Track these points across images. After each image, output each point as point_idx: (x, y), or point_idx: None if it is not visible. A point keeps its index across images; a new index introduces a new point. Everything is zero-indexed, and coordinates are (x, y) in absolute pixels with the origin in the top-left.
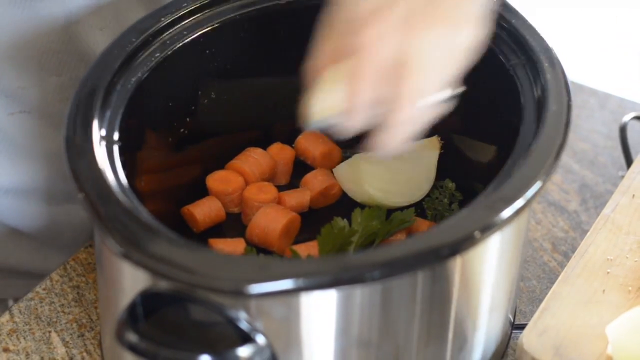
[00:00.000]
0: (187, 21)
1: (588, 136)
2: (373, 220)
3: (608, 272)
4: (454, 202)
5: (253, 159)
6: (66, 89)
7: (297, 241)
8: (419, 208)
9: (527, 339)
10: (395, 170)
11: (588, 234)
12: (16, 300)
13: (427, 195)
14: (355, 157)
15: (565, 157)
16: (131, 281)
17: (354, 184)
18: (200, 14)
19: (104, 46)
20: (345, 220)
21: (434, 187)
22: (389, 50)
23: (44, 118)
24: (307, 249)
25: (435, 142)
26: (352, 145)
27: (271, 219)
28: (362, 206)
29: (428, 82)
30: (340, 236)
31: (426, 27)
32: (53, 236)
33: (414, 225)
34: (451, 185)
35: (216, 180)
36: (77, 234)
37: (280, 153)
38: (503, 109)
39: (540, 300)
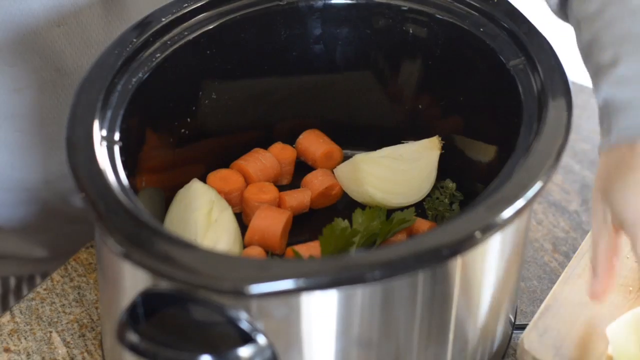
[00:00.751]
0: (188, 22)
1: (589, 136)
2: (374, 220)
3: None
4: (454, 202)
5: (260, 162)
6: (18, 80)
7: (297, 241)
8: (419, 208)
9: (528, 339)
10: (396, 171)
11: (589, 234)
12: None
13: (428, 195)
14: (356, 157)
15: (566, 158)
16: (132, 281)
17: (355, 184)
18: (201, 14)
19: (61, 43)
20: (346, 220)
21: (435, 187)
22: None
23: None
24: (309, 249)
25: (436, 142)
26: (353, 145)
27: (270, 221)
28: (362, 206)
29: None
30: (342, 236)
31: None
32: (18, 227)
33: (414, 226)
34: (452, 185)
35: (216, 178)
36: (39, 227)
37: (281, 153)
38: (504, 110)
39: (541, 301)
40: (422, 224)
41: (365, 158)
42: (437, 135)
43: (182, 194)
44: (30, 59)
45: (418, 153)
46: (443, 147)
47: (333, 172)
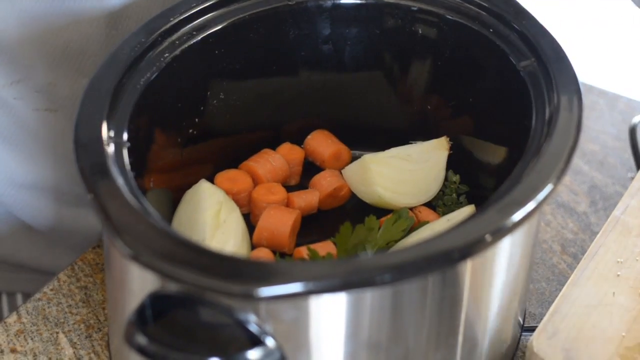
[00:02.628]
0: (196, 21)
1: (597, 137)
2: (402, 231)
3: (618, 275)
4: (461, 195)
5: (269, 164)
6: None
7: (306, 242)
8: (428, 206)
9: (537, 341)
10: (404, 171)
11: (598, 236)
12: (24, 295)
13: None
14: (365, 157)
15: (575, 158)
16: (140, 283)
17: (363, 184)
18: (210, 14)
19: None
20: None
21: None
22: None
23: (69, 118)
24: (325, 248)
25: (444, 142)
26: (361, 145)
27: (278, 220)
28: (375, 210)
29: None
30: (358, 236)
31: None
32: (63, 235)
33: (422, 216)
34: (455, 178)
35: (224, 179)
36: (87, 235)
37: (290, 153)
38: (513, 111)
39: (550, 303)
40: (429, 214)
41: (374, 158)
42: (445, 136)
43: (190, 194)
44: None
45: (426, 153)
46: (452, 148)
47: (341, 173)
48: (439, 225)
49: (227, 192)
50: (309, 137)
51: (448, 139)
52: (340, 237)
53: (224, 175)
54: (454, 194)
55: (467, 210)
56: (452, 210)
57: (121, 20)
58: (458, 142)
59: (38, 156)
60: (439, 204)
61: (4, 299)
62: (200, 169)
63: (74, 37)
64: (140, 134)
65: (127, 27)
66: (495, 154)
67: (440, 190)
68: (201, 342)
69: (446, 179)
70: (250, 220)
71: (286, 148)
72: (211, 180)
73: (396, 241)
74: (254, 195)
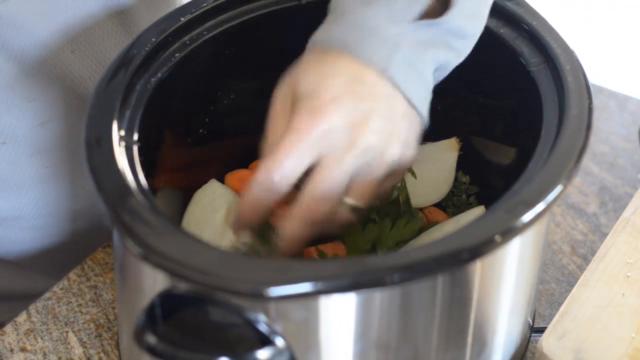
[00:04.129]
0: (207, 21)
1: (607, 138)
2: (413, 232)
3: (628, 276)
4: (471, 196)
5: None
6: (41, 113)
7: (316, 242)
8: (438, 207)
9: (547, 342)
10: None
11: (608, 237)
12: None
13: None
14: None
15: (585, 160)
16: (150, 282)
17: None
18: (220, 14)
19: (78, 68)
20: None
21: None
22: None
23: (20, 146)
24: (333, 248)
25: (454, 143)
26: None
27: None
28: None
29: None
30: (369, 237)
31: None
32: (38, 262)
33: (431, 216)
34: (465, 178)
35: (234, 179)
36: (64, 259)
37: None
38: (523, 111)
39: (559, 304)
40: (439, 215)
41: None
42: (455, 137)
43: (200, 194)
44: (50, 90)
45: (436, 154)
46: (461, 149)
47: None
48: (448, 226)
49: (237, 192)
50: None
51: (458, 139)
52: (349, 237)
53: (234, 175)
54: (464, 195)
55: (477, 211)
56: (462, 211)
57: (52, 42)
58: (468, 142)
59: (1, 190)
60: (448, 205)
61: None
62: (210, 169)
63: (0, 63)
64: (150, 133)
65: (63, 48)
66: (505, 155)
67: (450, 191)
68: (210, 342)
69: (456, 179)
70: None
71: None
72: (221, 180)
73: (406, 241)
74: None
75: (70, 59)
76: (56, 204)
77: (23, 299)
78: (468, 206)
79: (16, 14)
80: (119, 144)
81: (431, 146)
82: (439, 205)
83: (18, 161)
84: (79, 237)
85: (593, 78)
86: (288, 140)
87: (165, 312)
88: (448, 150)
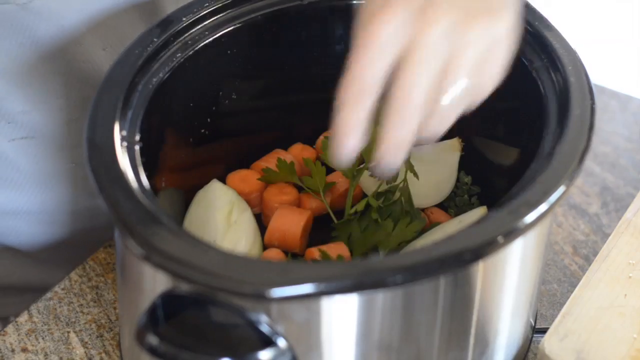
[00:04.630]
0: (208, 21)
1: (609, 139)
2: (414, 233)
3: (630, 277)
4: (473, 196)
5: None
6: (72, 110)
7: (318, 243)
8: (440, 207)
9: (549, 343)
10: (414, 163)
11: (610, 237)
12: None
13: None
14: None
15: (587, 160)
16: (152, 283)
17: (375, 185)
18: (222, 14)
19: (109, 65)
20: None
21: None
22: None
23: (48, 142)
24: (336, 249)
25: (456, 143)
26: None
27: (289, 221)
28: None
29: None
30: (371, 238)
31: (445, 17)
32: (53, 255)
33: (433, 217)
34: (467, 179)
35: (235, 179)
36: (78, 250)
37: (301, 154)
38: (526, 112)
39: (561, 304)
40: (441, 215)
41: None
42: (457, 137)
43: (201, 194)
44: (81, 87)
45: (438, 155)
46: (464, 149)
47: None
48: (450, 226)
49: (239, 192)
50: (321, 137)
51: (460, 140)
52: (349, 238)
53: (236, 175)
54: (466, 195)
55: (479, 211)
56: (464, 212)
57: (83, 45)
58: (470, 143)
59: (20, 184)
60: (450, 205)
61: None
62: (212, 169)
63: (37, 62)
64: (152, 133)
65: (89, 41)
66: (507, 156)
67: (452, 192)
68: (212, 343)
69: (458, 180)
70: (261, 221)
71: (298, 148)
72: (223, 180)
73: (408, 242)
74: (265, 195)
75: (102, 56)
76: (78, 200)
77: (38, 292)
78: (470, 207)
79: (48, 8)
80: (121, 145)
81: (433, 146)
82: (440, 206)
83: (45, 156)
84: (98, 232)
85: (595, 78)
86: (357, 54)
87: (167, 312)
88: (450, 151)
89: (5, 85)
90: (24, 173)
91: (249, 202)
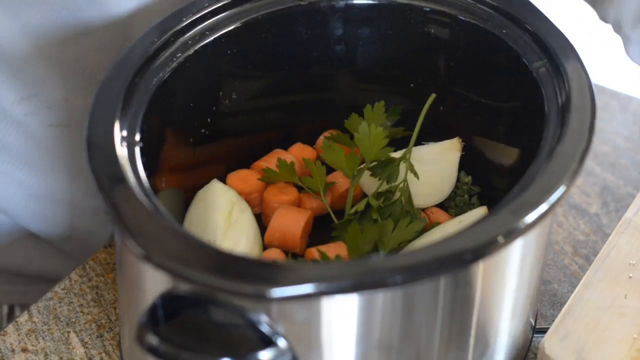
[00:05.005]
0: (208, 21)
1: (609, 139)
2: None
3: (630, 277)
4: (473, 196)
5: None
6: None
7: (318, 243)
8: (440, 207)
9: (549, 343)
10: (415, 164)
11: (610, 237)
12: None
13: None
14: None
15: (587, 160)
16: (152, 283)
17: (375, 185)
18: (222, 14)
19: None
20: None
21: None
22: None
23: (80, 131)
24: (335, 249)
25: (456, 143)
26: None
27: (289, 221)
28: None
29: None
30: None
31: None
32: (74, 246)
33: (434, 217)
34: (467, 179)
35: (236, 179)
36: (98, 242)
37: (302, 154)
38: (526, 112)
39: (561, 304)
40: (441, 216)
41: None
42: (457, 137)
43: (201, 194)
44: None
45: (439, 155)
46: (464, 149)
47: None
48: (451, 226)
49: (239, 192)
50: (321, 137)
51: (461, 139)
52: (349, 237)
53: (236, 176)
54: (466, 195)
55: (480, 211)
56: (464, 211)
57: (132, 29)
58: (470, 143)
59: (52, 170)
60: (450, 205)
61: (18, 312)
62: (212, 169)
63: (85, 49)
64: (152, 133)
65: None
66: (507, 156)
67: (452, 192)
68: (212, 343)
69: (458, 180)
70: (262, 221)
71: (298, 148)
72: (223, 180)
73: (408, 242)
74: (265, 195)
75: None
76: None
77: (53, 282)
78: (470, 207)
79: None
80: (121, 145)
81: (433, 146)
82: (441, 206)
83: (80, 146)
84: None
85: (595, 78)
86: None
87: (167, 312)
88: (450, 150)
89: (47, 69)
90: (57, 160)
91: (249, 202)
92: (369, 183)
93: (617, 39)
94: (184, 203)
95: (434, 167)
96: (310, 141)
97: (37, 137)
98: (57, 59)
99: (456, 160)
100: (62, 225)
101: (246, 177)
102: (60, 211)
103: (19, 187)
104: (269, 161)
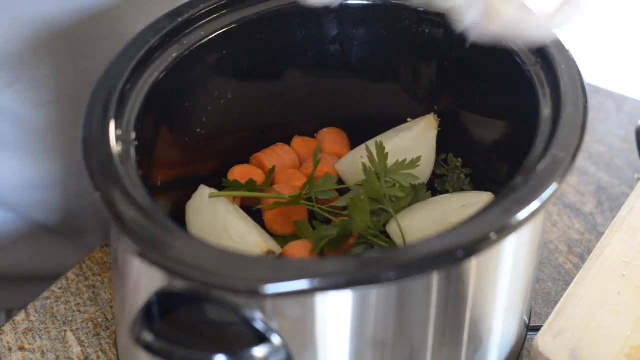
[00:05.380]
0: (204, 21)
1: (604, 139)
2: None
3: (624, 275)
4: (466, 177)
5: (277, 155)
6: (96, 72)
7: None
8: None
9: (542, 340)
10: (393, 156)
11: (604, 236)
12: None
13: (438, 177)
14: (357, 150)
15: (581, 160)
16: (147, 281)
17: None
18: (218, 14)
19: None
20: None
21: (441, 166)
22: None
23: (71, 105)
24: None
25: (432, 120)
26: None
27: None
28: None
29: None
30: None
31: None
32: (75, 230)
33: None
34: (458, 162)
35: (237, 175)
36: (98, 228)
37: (304, 146)
38: (519, 111)
39: (556, 302)
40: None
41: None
42: (432, 113)
43: (192, 205)
44: (106, 48)
45: (416, 140)
46: (460, 148)
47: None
48: (453, 200)
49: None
50: (317, 135)
51: (436, 116)
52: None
53: (236, 171)
54: (455, 176)
55: (486, 197)
56: (460, 189)
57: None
58: (462, 138)
59: (44, 153)
60: (442, 190)
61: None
62: (207, 168)
63: (68, 22)
64: (147, 132)
65: (125, 11)
66: (501, 153)
67: (443, 175)
68: (207, 339)
69: (447, 163)
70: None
71: (299, 141)
72: (219, 179)
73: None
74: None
75: (130, 21)
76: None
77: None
78: (463, 183)
79: None
80: (117, 143)
81: (409, 132)
82: (430, 185)
83: (70, 120)
84: None
85: (590, 78)
86: None
87: (162, 310)
88: (426, 132)
89: (30, 49)
90: (46, 141)
91: (249, 198)
92: (350, 174)
93: (613, 39)
94: (179, 201)
95: (412, 153)
96: None
97: (25, 121)
98: (40, 36)
99: (433, 139)
100: (58, 208)
101: (246, 173)
102: (54, 194)
103: (16, 178)
104: (268, 155)
